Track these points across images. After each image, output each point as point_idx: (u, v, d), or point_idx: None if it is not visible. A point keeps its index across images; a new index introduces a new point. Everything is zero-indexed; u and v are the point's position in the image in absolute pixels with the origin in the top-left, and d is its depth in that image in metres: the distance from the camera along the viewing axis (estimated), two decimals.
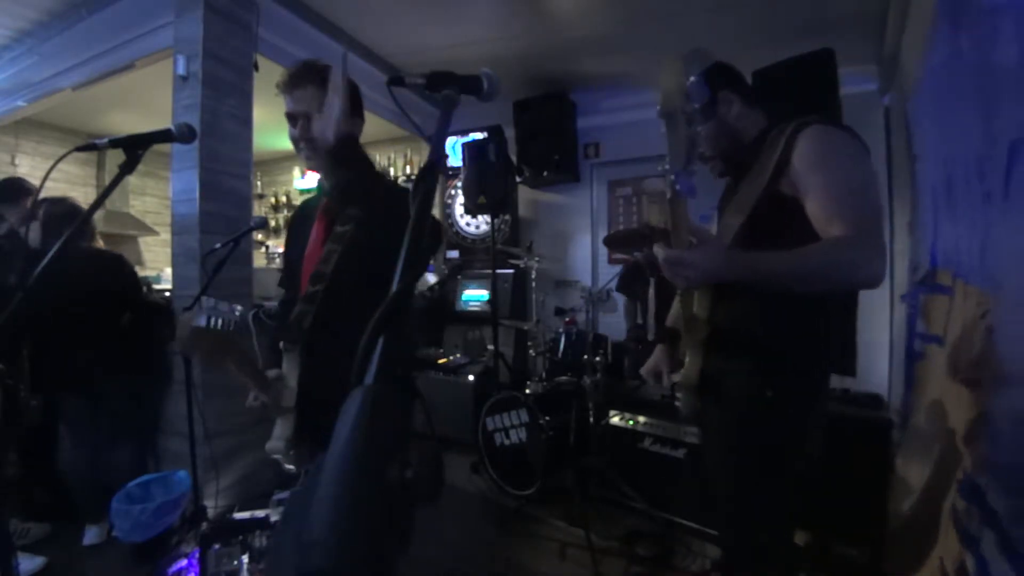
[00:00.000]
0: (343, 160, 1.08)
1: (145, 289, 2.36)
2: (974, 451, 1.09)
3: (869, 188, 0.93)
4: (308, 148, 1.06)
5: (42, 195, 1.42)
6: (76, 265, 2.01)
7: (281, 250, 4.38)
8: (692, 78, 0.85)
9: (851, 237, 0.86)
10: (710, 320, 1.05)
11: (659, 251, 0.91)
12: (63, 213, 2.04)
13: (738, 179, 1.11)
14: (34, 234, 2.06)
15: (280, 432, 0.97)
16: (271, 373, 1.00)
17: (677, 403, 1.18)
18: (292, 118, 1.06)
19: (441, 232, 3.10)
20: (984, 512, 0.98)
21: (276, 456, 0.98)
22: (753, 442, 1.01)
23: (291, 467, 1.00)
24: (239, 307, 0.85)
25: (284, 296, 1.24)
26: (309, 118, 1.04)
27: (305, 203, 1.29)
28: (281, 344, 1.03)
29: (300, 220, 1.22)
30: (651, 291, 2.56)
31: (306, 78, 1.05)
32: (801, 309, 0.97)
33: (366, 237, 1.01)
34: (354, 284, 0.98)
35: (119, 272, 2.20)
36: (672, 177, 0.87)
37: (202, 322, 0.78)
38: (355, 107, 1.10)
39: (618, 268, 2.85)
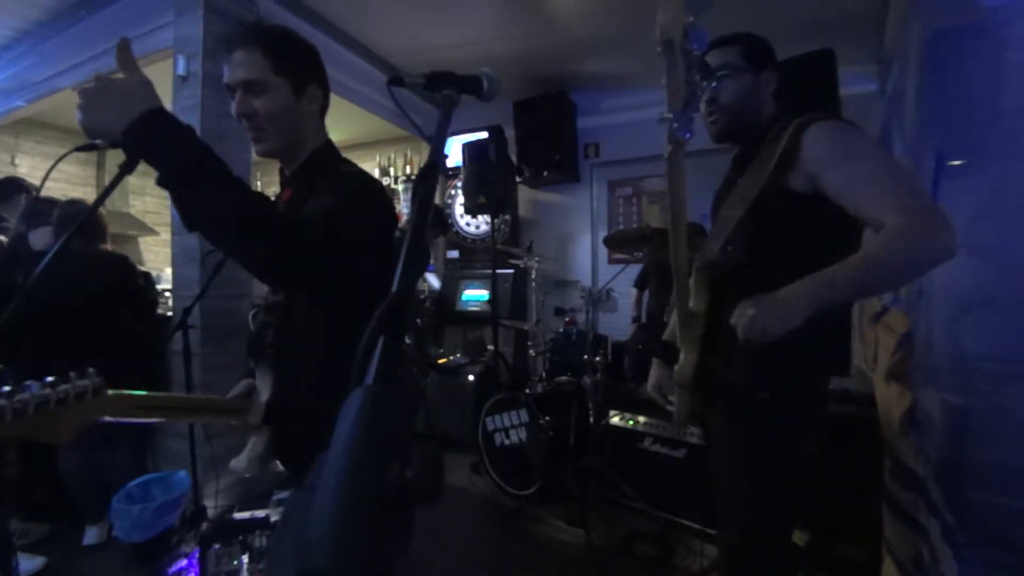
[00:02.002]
0: (300, 144, 0.94)
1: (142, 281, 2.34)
2: (910, 444, 1.14)
3: (903, 171, 0.90)
4: (254, 130, 0.89)
5: (42, 195, 1.42)
6: (80, 266, 2.01)
7: None
8: (691, 19, 0.83)
9: (915, 224, 0.81)
10: (707, 316, 1.04)
11: (739, 315, 0.87)
12: (75, 215, 2.05)
13: (738, 171, 1.10)
14: (45, 236, 2.08)
15: (250, 450, 0.90)
16: (240, 387, 0.93)
17: (670, 407, 1.17)
18: (230, 89, 0.89)
19: (444, 215, 3.05)
20: (929, 504, 1.02)
21: (244, 474, 0.90)
22: (748, 442, 1.01)
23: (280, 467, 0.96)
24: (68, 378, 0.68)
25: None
26: (249, 89, 0.87)
27: (277, 196, 1.08)
28: (250, 360, 0.94)
29: None
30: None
31: (244, 41, 0.88)
32: None
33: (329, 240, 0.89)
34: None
35: (120, 273, 2.20)
36: (670, 116, 0.83)
37: None
38: (311, 74, 0.94)
39: (618, 268, 2.86)
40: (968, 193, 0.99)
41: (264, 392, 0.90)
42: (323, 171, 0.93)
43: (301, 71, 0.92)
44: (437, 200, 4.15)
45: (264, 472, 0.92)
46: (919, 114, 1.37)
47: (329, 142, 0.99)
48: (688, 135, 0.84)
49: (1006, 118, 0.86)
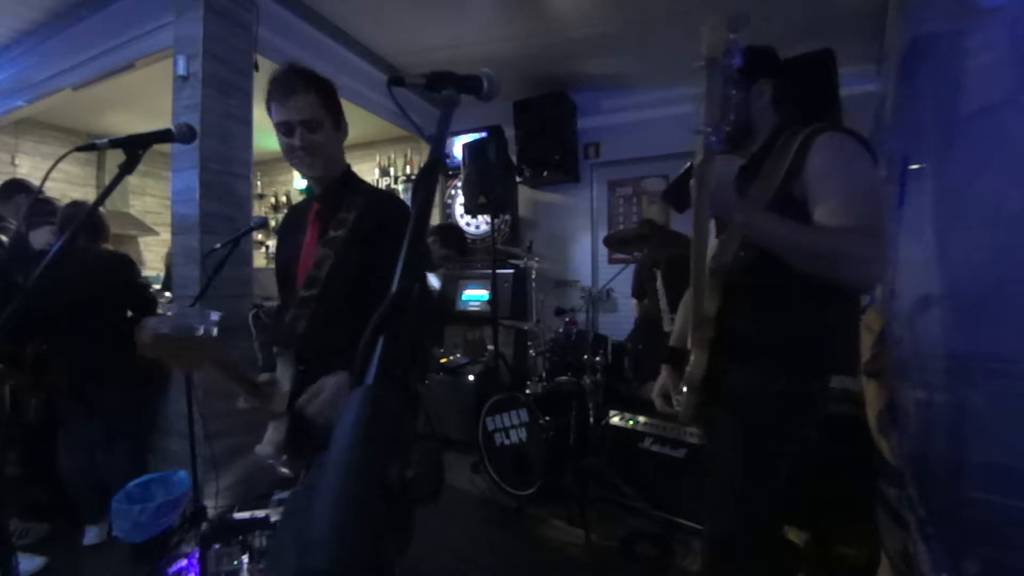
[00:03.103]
0: (336, 166, 1.13)
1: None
2: (887, 440, 1.15)
3: (877, 194, 0.94)
4: (309, 157, 1.05)
5: (40, 196, 1.43)
6: (82, 265, 2.02)
7: None
8: (732, 36, 0.85)
9: (855, 233, 0.86)
10: (718, 319, 1.05)
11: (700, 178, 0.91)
12: (78, 216, 2.05)
13: (747, 179, 1.10)
14: (45, 236, 2.09)
15: (271, 436, 0.97)
16: (263, 377, 1.00)
17: (676, 406, 1.17)
18: (288, 126, 1.04)
19: (464, 238, 3.11)
20: (907, 498, 1.03)
21: (268, 460, 0.97)
22: (751, 440, 1.02)
23: (284, 471, 0.99)
24: (215, 314, 0.83)
25: (280, 301, 1.25)
26: (308, 126, 1.03)
27: (295, 207, 1.31)
28: (275, 348, 1.04)
29: (292, 224, 1.23)
30: (658, 283, 2.56)
31: (302, 86, 1.03)
32: (808, 310, 0.99)
33: (360, 242, 1.03)
34: (348, 289, 1.01)
35: (122, 271, 2.21)
36: (708, 130, 0.88)
37: (164, 329, 0.76)
38: (340, 109, 1.12)
39: (618, 268, 2.85)
40: (935, 195, 1.01)
41: (285, 381, 0.97)
42: (349, 188, 1.14)
43: (339, 108, 1.11)
44: (437, 200, 4.15)
45: (287, 457, 0.97)
46: (895, 116, 1.39)
47: (349, 165, 1.19)
48: (719, 146, 0.90)
49: (970, 121, 0.87)
